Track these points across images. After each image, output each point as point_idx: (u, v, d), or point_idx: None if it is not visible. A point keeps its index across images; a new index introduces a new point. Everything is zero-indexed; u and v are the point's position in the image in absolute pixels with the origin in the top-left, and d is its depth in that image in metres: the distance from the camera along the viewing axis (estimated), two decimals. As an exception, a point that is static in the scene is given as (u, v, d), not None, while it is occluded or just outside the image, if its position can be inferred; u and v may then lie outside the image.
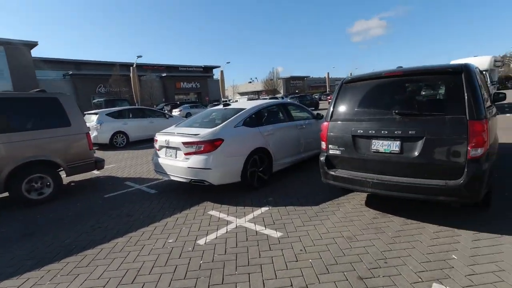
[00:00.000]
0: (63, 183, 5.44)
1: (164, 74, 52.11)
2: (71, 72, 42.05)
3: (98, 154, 8.31)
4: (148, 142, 11.42)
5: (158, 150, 4.88)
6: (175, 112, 25.34)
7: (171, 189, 5.23)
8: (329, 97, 36.84)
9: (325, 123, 3.87)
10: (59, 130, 5.07)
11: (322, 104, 34.04)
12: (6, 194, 4.76)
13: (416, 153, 3.08)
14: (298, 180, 5.27)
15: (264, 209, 4.04)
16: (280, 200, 4.33)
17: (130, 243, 3.31)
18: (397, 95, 3.70)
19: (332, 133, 3.75)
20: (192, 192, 4.90)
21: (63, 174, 5.29)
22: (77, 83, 41.23)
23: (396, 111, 3.28)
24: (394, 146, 3.23)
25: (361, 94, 3.77)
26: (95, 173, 6.81)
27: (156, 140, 4.91)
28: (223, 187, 4.69)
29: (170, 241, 3.30)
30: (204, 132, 4.35)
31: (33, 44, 38.30)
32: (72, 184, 6.17)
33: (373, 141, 3.39)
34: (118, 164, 7.90)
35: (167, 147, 4.65)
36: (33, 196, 4.79)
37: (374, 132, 3.36)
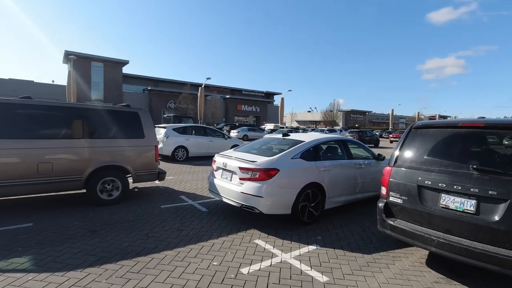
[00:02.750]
0: (129, 188, 6.00)
1: (227, 96, 55.23)
2: (149, 88, 47.30)
3: (160, 165, 9.02)
4: (204, 159, 12.05)
5: (215, 171, 5.11)
6: (233, 133, 26.42)
7: (221, 210, 5.38)
8: (391, 135, 34.74)
9: (388, 168, 3.65)
10: (134, 141, 5.69)
11: (383, 142, 32.22)
12: (83, 191, 5.43)
13: (496, 218, 2.69)
14: (351, 221, 4.98)
15: (311, 247, 3.88)
16: (329, 241, 4.12)
17: (178, 258, 3.45)
18: (476, 148, 3.34)
19: (395, 179, 3.51)
20: (241, 217, 4.96)
21: (130, 180, 5.85)
22: (153, 98, 46.07)
23: (474, 166, 2.95)
24: (468, 204, 2.89)
25: (432, 141, 3.50)
26: (156, 183, 7.36)
27: (215, 161, 5.16)
28: (272, 217, 4.66)
29: (215, 263, 3.36)
30: (261, 160, 4.45)
31: (124, 62, 44.31)
32: (135, 189, 6.75)
33: (442, 195, 3.08)
34: (176, 177, 8.44)
35: (224, 169, 4.84)
36: (104, 197, 5.36)
37: (444, 185, 3.06)
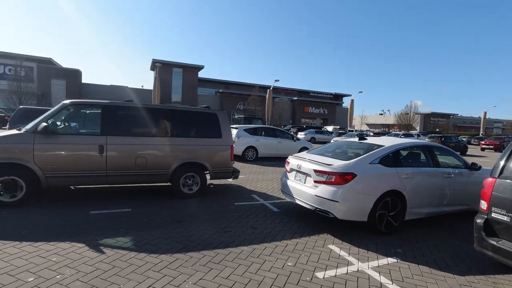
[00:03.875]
0: (207, 184, 6.48)
1: (295, 98, 55.07)
2: (221, 90, 50.27)
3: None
4: (273, 160, 12.25)
5: (289, 172, 5.17)
6: (300, 135, 26.22)
7: (293, 212, 5.40)
8: (483, 142, 30.04)
9: (490, 179, 3.19)
10: (212, 140, 6.12)
11: (472, 149, 28.10)
12: (167, 184, 6.08)
13: None
14: (435, 237, 4.49)
15: (391, 260, 3.62)
16: (411, 255, 3.79)
17: (254, 254, 3.59)
18: None
19: (499, 193, 3.05)
20: (314, 220, 4.91)
21: (207, 177, 6.31)
22: (223, 100, 48.79)
23: None
24: None
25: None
26: (229, 181, 7.78)
27: (288, 163, 5.21)
28: (346, 223, 4.50)
29: (289, 264, 3.40)
30: (338, 164, 4.34)
31: (200, 67, 48.02)
32: (211, 186, 7.25)
33: None
34: (247, 176, 8.78)
35: (298, 171, 4.86)
36: (185, 190, 5.91)
37: None
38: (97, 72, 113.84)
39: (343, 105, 61.88)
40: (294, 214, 5.23)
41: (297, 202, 4.74)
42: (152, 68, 50.28)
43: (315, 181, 4.42)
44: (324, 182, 4.28)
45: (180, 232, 4.14)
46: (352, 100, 37.75)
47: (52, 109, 5.14)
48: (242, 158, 12.14)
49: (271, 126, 17.38)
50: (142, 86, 50.48)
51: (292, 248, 3.82)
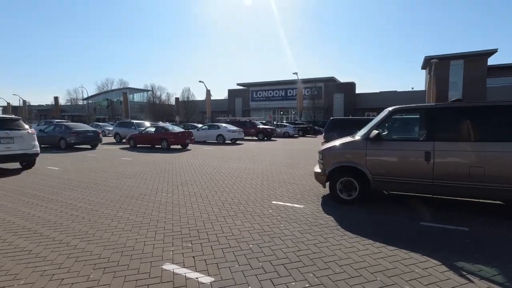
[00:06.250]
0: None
1: None
2: (527, 77, 36.59)
3: None
4: None
5: None
6: None
7: None
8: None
9: None
10: None
11: None
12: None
13: None
14: None
15: None
16: None
17: None
18: None
19: None
20: None
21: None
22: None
23: None
24: None
25: None
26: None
27: None
28: None
29: None
30: None
31: (490, 53, 37.87)
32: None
33: None
34: None
35: None
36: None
37: None
38: (367, 81, 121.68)
39: None
40: None
41: None
42: (424, 67, 46.02)
43: None
44: None
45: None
46: None
47: (379, 117, 5.46)
48: None
49: None
50: (412, 88, 47.60)
51: None
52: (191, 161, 11.29)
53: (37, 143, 9.35)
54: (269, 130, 25.66)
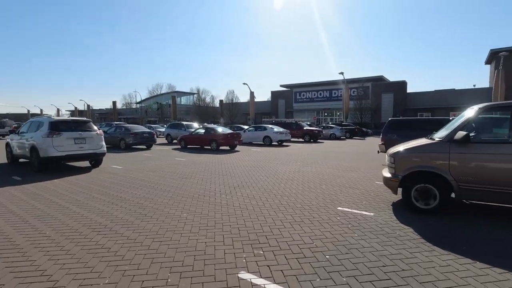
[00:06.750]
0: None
1: None
2: None
3: None
4: None
5: None
6: None
7: None
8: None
9: None
10: None
11: None
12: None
13: None
14: None
15: None
16: None
17: None
18: None
19: None
20: None
21: None
22: None
23: None
24: None
25: None
26: None
27: None
28: None
29: None
30: None
31: None
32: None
33: None
34: None
35: None
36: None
37: None
38: (419, 79, 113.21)
39: None
40: None
41: None
42: (488, 61, 41.35)
43: None
44: None
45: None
46: None
47: (463, 116, 4.80)
48: None
49: None
50: (474, 85, 42.97)
51: None
52: (241, 163, 11.27)
53: (104, 143, 10.07)
54: (316, 131, 24.93)
